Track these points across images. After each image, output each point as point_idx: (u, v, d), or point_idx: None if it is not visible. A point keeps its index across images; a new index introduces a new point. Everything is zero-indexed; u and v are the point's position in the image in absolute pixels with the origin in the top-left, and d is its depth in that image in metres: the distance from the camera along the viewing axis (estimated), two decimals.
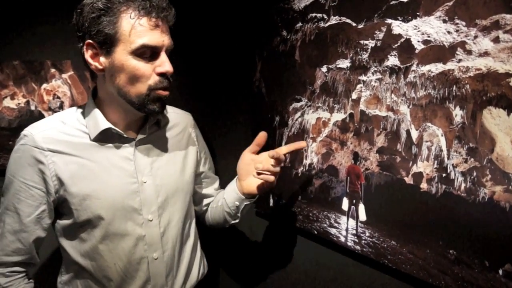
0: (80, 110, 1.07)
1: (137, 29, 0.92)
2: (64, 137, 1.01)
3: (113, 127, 1.02)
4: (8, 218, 1.01)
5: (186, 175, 1.17)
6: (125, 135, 1.04)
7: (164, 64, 0.96)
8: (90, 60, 0.96)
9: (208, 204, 1.32)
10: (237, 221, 1.21)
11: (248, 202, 1.16)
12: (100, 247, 1.03)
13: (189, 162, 1.19)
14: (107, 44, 0.93)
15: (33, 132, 1.00)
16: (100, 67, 0.96)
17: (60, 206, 1.04)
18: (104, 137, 1.03)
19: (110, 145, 1.04)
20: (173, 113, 1.21)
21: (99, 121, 1.01)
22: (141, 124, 1.09)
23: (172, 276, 1.11)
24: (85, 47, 0.96)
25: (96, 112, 1.02)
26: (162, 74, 0.96)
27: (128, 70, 0.94)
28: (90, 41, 0.94)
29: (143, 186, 1.06)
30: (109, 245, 1.03)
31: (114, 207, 1.02)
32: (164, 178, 1.10)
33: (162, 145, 1.13)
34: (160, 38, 0.94)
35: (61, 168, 0.99)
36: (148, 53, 0.94)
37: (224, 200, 1.20)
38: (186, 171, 1.18)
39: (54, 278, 1.12)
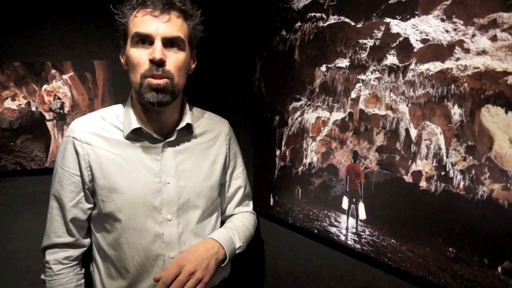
0: (121, 108, 1.14)
1: (134, 20, 1.01)
2: (101, 132, 1.09)
3: (143, 127, 1.08)
4: (55, 204, 1.11)
5: (211, 181, 1.19)
6: (154, 135, 1.09)
7: (154, 51, 0.99)
8: (120, 57, 1.10)
9: (226, 217, 1.33)
10: None
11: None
12: (121, 239, 1.09)
13: (217, 169, 1.21)
14: (124, 41, 1.05)
15: (76, 125, 1.10)
16: (123, 62, 1.09)
17: (89, 197, 1.12)
18: (135, 136, 1.09)
19: (141, 144, 1.10)
20: (209, 119, 1.24)
21: (131, 120, 1.08)
22: (172, 126, 1.12)
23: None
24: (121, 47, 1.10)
25: (130, 111, 1.09)
26: (152, 62, 0.99)
27: (129, 60, 1.02)
28: (121, 41, 1.07)
29: (166, 186, 1.09)
30: (128, 239, 1.08)
31: (136, 203, 1.07)
32: (188, 181, 1.13)
33: (190, 149, 1.16)
34: (152, 26, 0.99)
35: (94, 160, 1.07)
36: (143, 41, 1.00)
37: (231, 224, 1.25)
38: (212, 177, 1.19)
39: (88, 263, 1.21)
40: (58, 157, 1.12)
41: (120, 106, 1.15)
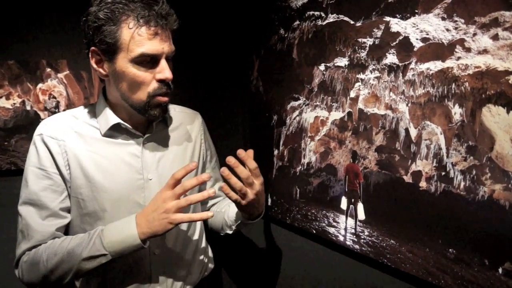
0: (91, 107, 1.11)
1: (135, 38, 0.94)
2: (76, 130, 1.05)
3: (122, 122, 1.05)
4: (32, 209, 1.03)
5: (191, 173, 1.18)
6: (133, 131, 1.07)
7: (163, 71, 0.98)
8: (95, 66, 1.01)
9: (212, 205, 1.33)
10: (230, 232, 1.20)
11: (247, 222, 1.13)
12: None
13: (195, 160, 1.21)
14: (109, 52, 0.96)
15: (48, 123, 1.05)
16: (104, 73, 1.00)
17: (69, 196, 1.07)
18: (114, 133, 1.06)
19: (119, 141, 1.07)
20: (182, 112, 1.24)
21: (109, 117, 1.05)
22: (149, 122, 1.11)
23: (172, 272, 1.11)
24: (90, 53, 1.00)
25: (107, 109, 1.06)
26: (161, 81, 0.98)
27: (128, 78, 0.97)
28: (94, 48, 0.98)
29: (149, 182, 1.08)
30: None
31: (119, 200, 1.05)
32: (170, 175, 1.11)
33: (169, 143, 1.15)
34: (159, 46, 0.96)
35: (72, 159, 1.03)
36: (148, 60, 0.97)
37: (228, 207, 1.22)
38: None
39: None
40: (30, 159, 1.04)
41: (88, 106, 1.13)
